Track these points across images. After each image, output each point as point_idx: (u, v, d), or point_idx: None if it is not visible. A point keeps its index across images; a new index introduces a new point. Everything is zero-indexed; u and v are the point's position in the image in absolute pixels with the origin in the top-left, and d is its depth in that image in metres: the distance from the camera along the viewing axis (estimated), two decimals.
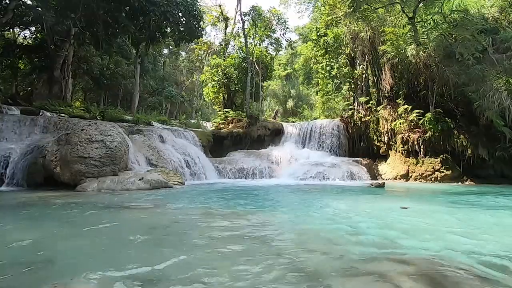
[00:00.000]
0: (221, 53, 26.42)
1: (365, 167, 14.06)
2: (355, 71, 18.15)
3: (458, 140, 13.18)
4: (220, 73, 22.93)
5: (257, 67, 23.16)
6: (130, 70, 24.64)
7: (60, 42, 15.92)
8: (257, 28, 24.03)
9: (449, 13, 13.65)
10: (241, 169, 13.34)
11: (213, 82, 23.38)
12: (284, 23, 24.27)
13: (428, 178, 13.19)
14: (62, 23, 14.93)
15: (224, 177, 12.83)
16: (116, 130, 9.16)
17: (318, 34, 19.48)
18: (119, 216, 4.61)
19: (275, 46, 26.51)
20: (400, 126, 14.39)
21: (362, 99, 17.01)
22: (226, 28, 27.19)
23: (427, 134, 13.51)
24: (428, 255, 2.69)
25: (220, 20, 27.67)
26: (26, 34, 20.90)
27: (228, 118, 20.38)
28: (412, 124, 14.14)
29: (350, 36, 17.74)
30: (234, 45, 27.48)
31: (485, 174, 12.96)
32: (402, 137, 14.24)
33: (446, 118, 13.43)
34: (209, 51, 29.32)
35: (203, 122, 26.48)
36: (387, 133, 15.17)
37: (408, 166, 13.91)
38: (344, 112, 18.58)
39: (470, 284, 2.06)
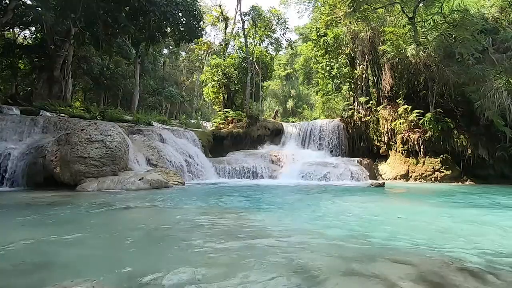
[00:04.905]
0: (221, 53, 26.42)
1: (365, 167, 14.04)
2: (355, 71, 18.15)
3: (458, 140, 13.17)
4: (220, 73, 22.93)
5: (257, 67, 23.16)
6: (130, 70, 24.64)
7: (60, 42, 15.91)
8: (257, 28, 24.04)
9: (449, 13, 13.66)
10: (241, 169, 13.33)
11: (213, 82, 23.38)
12: (284, 23, 24.29)
13: (428, 178, 13.19)
14: (62, 23, 14.92)
15: (224, 177, 12.82)
16: (116, 130, 9.16)
17: (318, 34, 19.47)
18: (119, 217, 4.61)
19: (275, 46, 26.54)
20: (400, 126, 14.38)
21: (362, 99, 17.01)
22: (226, 28, 27.21)
23: (427, 134, 13.51)
24: (427, 256, 2.69)
25: (220, 20, 27.68)
26: (26, 34, 20.93)
27: (228, 118, 20.38)
28: (412, 124, 14.13)
29: (350, 36, 17.75)
30: (234, 45, 27.51)
31: (485, 174, 12.96)
32: (402, 137, 14.24)
33: (446, 118, 13.42)
34: (209, 51, 29.32)
35: (203, 122, 26.48)
36: (387, 133, 15.17)
37: (408, 166, 13.91)
38: (344, 112, 18.59)
39: (469, 284, 2.06)
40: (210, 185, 10.21)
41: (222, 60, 23.85)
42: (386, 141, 15.33)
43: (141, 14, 15.07)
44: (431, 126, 13.36)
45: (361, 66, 17.83)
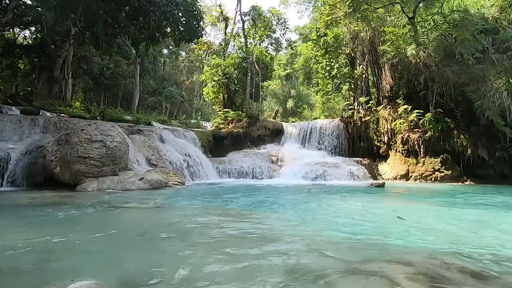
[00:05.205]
0: (221, 53, 26.42)
1: (365, 167, 14.04)
2: (355, 71, 18.15)
3: (458, 140, 13.17)
4: (220, 73, 22.93)
5: (257, 67, 23.16)
6: (130, 70, 24.63)
7: (60, 42, 15.91)
8: (257, 28, 24.03)
9: (449, 13, 13.65)
10: (241, 169, 13.33)
11: (213, 82, 23.37)
12: (284, 23, 24.28)
13: (428, 178, 13.18)
14: (62, 23, 14.91)
15: (224, 177, 12.81)
16: (116, 130, 9.16)
17: (318, 34, 19.47)
18: (119, 217, 4.61)
19: (275, 46, 26.53)
20: (400, 126, 14.38)
21: (362, 99, 17.01)
22: (226, 28, 27.21)
23: (427, 134, 13.50)
24: (427, 256, 2.69)
25: (220, 20, 27.68)
26: (26, 34, 20.94)
27: (228, 118, 20.38)
28: (412, 124, 14.13)
29: (350, 36, 17.75)
30: (234, 45, 27.50)
31: (485, 174, 12.95)
32: (402, 137, 14.24)
33: (446, 118, 13.41)
34: (209, 51, 29.32)
35: (203, 122, 26.46)
36: (387, 133, 15.17)
37: (408, 166, 13.90)
38: (344, 112, 18.58)
39: (469, 284, 2.06)
40: (210, 185, 10.21)
41: (222, 60, 23.84)
42: (386, 141, 15.33)
43: (141, 14, 15.07)
44: (431, 126, 13.36)
45: (361, 66, 17.83)
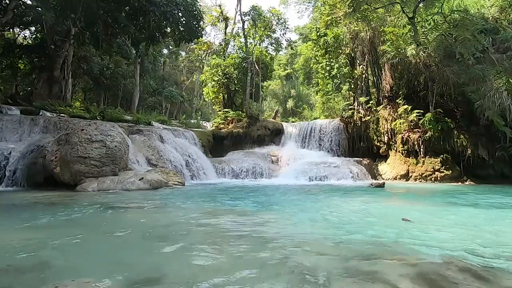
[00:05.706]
0: (221, 53, 26.43)
1: (365, 167, 14.05)
2: (355, 71, 18.15)
3: (458, 140, 13.17)
4: (220, 73, 22.93)
5: (257, 67, 23.16)
6: (130, 70, 24.65)
7: (60, 42, 15.92)
8: (257, 28, 24.04)
9: (449, 13, 13.65)
10: (241, 169, 13.33)
11: (213, 82, 23.38)
12: (284, 23, 24.29)
13: (428, 178, 13.18)
14: (62, 23, 14.93)
15: (224, 177, 12.82)
16: (116, 130, 9.16)
17: (318, 34, 19.48)
18: (119, 217, 4.60)
19: (275, 46, 26.55)
20: (400, 126, 14.38)
21: (362, 99, 17.01)
22: (226, 28, 27.23)
23: (427, 134, 13.50)
24: (427, 255, 2.69)
25: (220, 20, 27.70)
26: (26, 34, 20.96)
27: (228, 118, 20.39)
28: (412, 124, 14.13)
29: (350, 36, 17.75)
30: (234, 45, 27.51)
31: (485, 174, 12.95)
32: (402, 137, 14.24)
33: (446, 118, 13.42)
34: (209, 51, 29.33)
35: (203, 122, 26.47)
36: (387, 133, 15.17)
37: (408, 166, 13.91)
38: (344, 112, 18.58)
39: (469, 284, 2.06)
40: (210, 185, 10.21)
41: (222, 60, 23.85)
42: (386, 141, 15.33)
43: (141, 14, 15.07)
44: (431, 126, 13.36)
45: (361, 66, 17.83)
